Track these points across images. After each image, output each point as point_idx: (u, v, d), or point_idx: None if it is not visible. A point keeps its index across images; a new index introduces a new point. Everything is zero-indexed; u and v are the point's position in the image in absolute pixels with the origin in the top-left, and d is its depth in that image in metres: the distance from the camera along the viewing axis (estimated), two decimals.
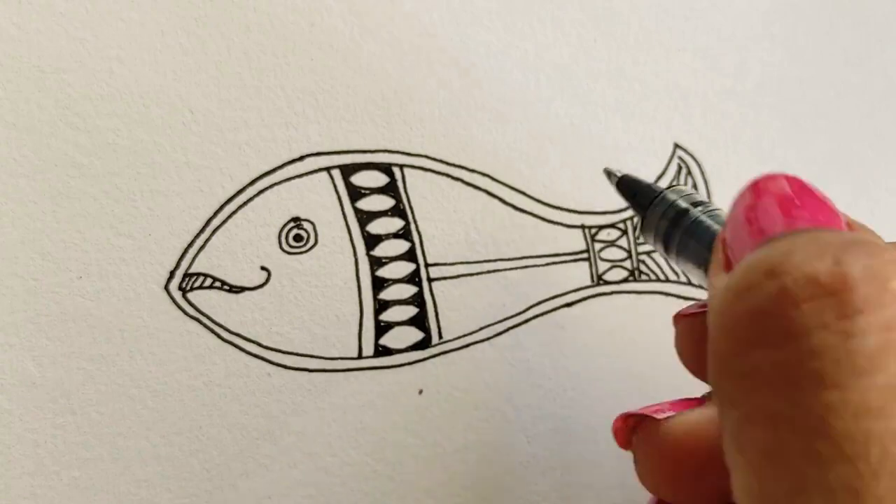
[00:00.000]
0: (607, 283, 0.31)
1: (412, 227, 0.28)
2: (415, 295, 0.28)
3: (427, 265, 0.28)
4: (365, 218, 0.28)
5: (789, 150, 0.34)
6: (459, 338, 0.29)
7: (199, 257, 0.26)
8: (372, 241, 0.28)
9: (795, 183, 0.18)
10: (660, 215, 0.23)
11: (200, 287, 0.26)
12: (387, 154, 0.28)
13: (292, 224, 0.27)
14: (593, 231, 0.31)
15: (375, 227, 0.28)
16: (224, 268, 0.26)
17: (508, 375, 0.29)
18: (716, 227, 0.21)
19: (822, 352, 0.13)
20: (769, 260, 0.14)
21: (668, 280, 0.32)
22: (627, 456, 0.21)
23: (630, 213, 0.31)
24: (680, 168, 0.32)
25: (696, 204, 0.22)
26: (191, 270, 0.26)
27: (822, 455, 0.13)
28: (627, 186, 0.24)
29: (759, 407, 0.14)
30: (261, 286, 0.27)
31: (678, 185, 0.23)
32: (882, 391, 0.13)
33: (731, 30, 0.34)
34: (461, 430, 0.28)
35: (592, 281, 0.31)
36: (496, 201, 0.29)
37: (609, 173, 0.25)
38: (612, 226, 0.31)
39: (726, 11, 0.34)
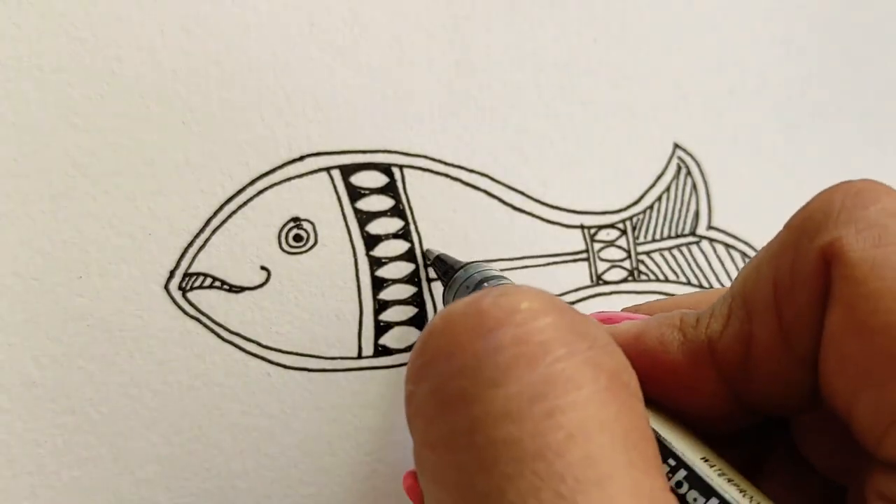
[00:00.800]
0: (606, 283, 0.31)
1: (412, 227, 0.28)
2: (414, 295, 0.28)
3: (426, 265, 0.28)
4: (365, 218, 0.28)
5: (789, 150, 0.34)
6: None
7: (199, 257, 0.26)
8: (372, 241, 0.28)
9: None
10: (457, 288, 0.26)
11: (200, 287, 0.26)
12: (386, 154, 0.28)
13: (292, 224, 0.27)
14: (592, 231, 0.31)
15: (375, 228, 0.28)
16: (224, 267, 0.26)
17: None
18: None
19: (461, 371, 0.14)
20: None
21: (667, 280, 0.32)
22: None
23: (630, 212, 0.31)
24: (679, 168, 0.32)
25: (488, 279, 0.25)
26: (191, 270, 0.26)
27: (468, 466, 0.14)
28: (439, 263, 0.28)
29: (428, 432, 0.15)
30: (261, 286, 0.27)
31: (479, 262, 0.27)
32: (517, 398, 0.14)
33: (731, 30, 0.34)
34: None
35: (592, 281, 0.31)
36: (495, 201, 0.29)
37: (428, 251, 0.29)
38: (612, 226, 0.31)
39: (726, 11, 0.34)
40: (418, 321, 0.28)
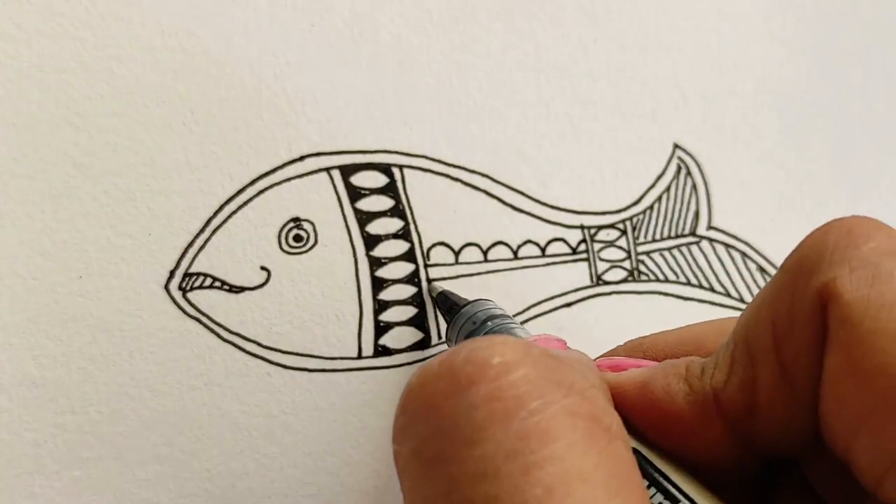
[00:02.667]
0: (606, 283, 0.31)
1: (411, 227, 0.28)
2: (414, 295, 0.28)
3: (426, 265, 0.28)
4: (364, 218, 0.28)
5: (789, 150, 0.34)
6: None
7: (199, 257, 0.26)
8: (371, 241, 0.28)
9: None
10: (461, 325, 0.25)
11: (200, 287, 0.26)
12: (386, 154, 0.28)
13: (292, 224, 0.27)
14: (592, 231, 0.31)
15: (375, 228, 0.28)
16: (224, 268, 0.26)
17: None
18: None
19: (438, 432, 0.14)
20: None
21: (667, 280, 0.32)
22: None
23: (630, 213, 0.31)
24: (679, 168, 0.32)
25: (492, 318, 0.24)
26: (191, 270, 0.26)
27: None
28: (443, 300, 0.27)
29: (412, 493, 0.15)
30: (261, 286, 0.27)
31: (484, 299, 0.26)
32: (493, 457, 0.14)
33: (731, 30, 0.34)
34: None
35: (591, 281, 0.31)
36: (495, 201, 0.29)
37: (432, 287, 0.28)
38: (612, 226, 0.31)
39: (726, 11, 0.34)
40: (418, 321, 0.28)
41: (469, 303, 0.26)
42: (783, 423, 0.17)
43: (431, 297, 0.28)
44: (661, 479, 0.17)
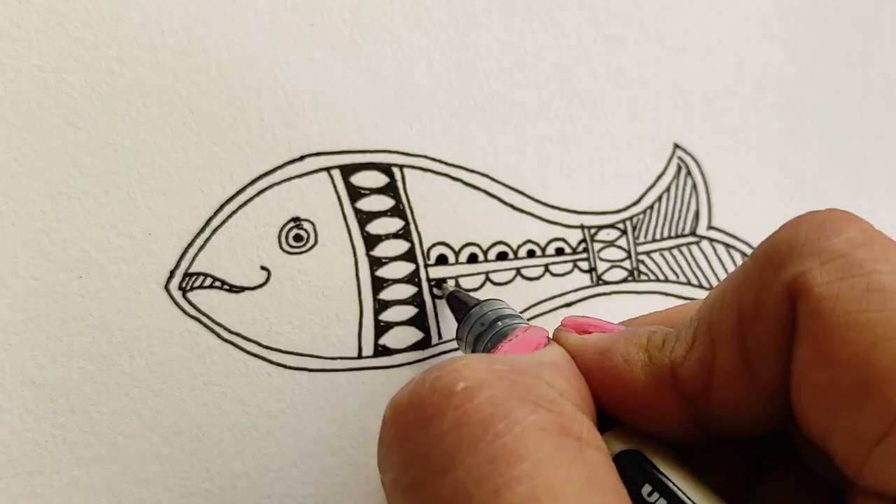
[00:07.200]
0: (607, 283, 0.31)
1: (412, 227, 0.28)
2: (414, 295, 0.28)
3: (426, 265, 0.28)
4: (365, 218, 0.28)
5: (789, 150, 0.34)
6: None
7: (199, 257, 0.26)
8: (372, 241, 0.28)
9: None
10: (471, 325, 0.25)
11: (200, 287, 0.26)
12: (386, 154, 0.28)
13: (292, 224, 0.27)
14: (592, 231, 0.31)
15: (375, 228, 0.28)
16: (224, 267, 0.26)
17: None
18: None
19: (412, 462, 0.15)
20: None
21: (667, 280, 0.32)
22: None
23: (630, 212, 0.31)
24: (679, 168, 0.32)
25: (502, 318, 0.24)
26: (191, 270, 0.26)
27: None
28: (453, 300, 0.27)
29: None
30: (261, 286, 0.27)
31: (495, 299, 0.26)
32: (464, 483, 0.14)
33: (731, 30, 0.34)
34: None
35: (592, 281, 0.31)
36: (495, 201, 0.29)
37: (443, 287, 0.28)
38: (612, 226, 0.31)
39: (726, 11, 0.34)
40: (418, 321, 0.28)
41: (478, 303, 0.26)
42: (739, 406, 0.17)
43: (434, 297, 0.28)
44: (659, 476, 0.17)
